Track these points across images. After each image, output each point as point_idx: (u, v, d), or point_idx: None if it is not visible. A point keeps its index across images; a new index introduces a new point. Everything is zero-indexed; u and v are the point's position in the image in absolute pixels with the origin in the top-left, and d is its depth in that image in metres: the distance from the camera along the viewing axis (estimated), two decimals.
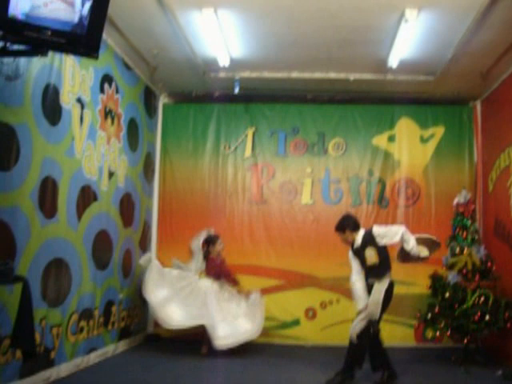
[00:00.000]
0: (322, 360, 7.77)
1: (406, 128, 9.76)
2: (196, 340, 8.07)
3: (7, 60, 5.06)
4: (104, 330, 7.55)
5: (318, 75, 8.83)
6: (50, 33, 4.08)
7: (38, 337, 5.66)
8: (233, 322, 7.96)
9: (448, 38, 7.26)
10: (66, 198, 6.37)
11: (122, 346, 8.15)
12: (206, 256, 8.32)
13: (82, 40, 4.24)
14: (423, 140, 9.71)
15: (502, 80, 8.42)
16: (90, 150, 7.04)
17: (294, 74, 8.83)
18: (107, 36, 7.25)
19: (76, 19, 4.20)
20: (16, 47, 4.44)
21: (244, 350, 7.95)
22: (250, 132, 9.90)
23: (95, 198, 7.22)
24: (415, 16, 6.53)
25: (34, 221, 5.65)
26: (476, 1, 6.20)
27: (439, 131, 9.70)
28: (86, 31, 4.22)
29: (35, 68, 5.67)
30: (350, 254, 6.68)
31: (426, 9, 6.49)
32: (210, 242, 8.36)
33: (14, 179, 5.30)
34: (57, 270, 6.17)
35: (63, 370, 6.26)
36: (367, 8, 6.58)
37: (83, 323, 6.86)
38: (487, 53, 7.68)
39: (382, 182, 9.65)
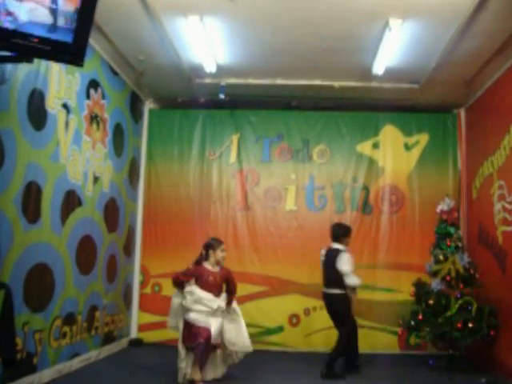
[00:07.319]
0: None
1: (390, 135, 9.81)
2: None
3: None
4: (87, 336, 7.51)
5: (302, 82, 8.88)
6: (36, 40, 4.07)
7: (20, 342, 5.64)
8: None
9: (432, 46, 7.33)
10: (50, 203, 6.34)
11: (105, 351, 8.12)
12: (199, 261, 6.74)
13: (67, 48, 4.22)
14: (407, 147, 9.75)
15: (486, 88, 8.51)
16: (75, 155, 7.02)
17: (279, 81, 8.87)
18: (94, 42, 7.25)
19: (62, 26, 4.19)
20: (2, 53, 4.42)
21: None
22: (235, 138, 9.92)
23: (80, 203, 7.20)
24: (399, 25, 6.61)
25: (17, 226, 5.62)
26: (459, 11, 6.27)
27: (423, 138, 9.75)
28: (71, 39, 4.20)
29: (21, 73, 5.65)
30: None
31: (409, 18, 6.56)
32: (210, 246, 6.76)
33: None
34: (40, 274, 6.13)
35: (45, 375, 6.23)
36: (352, 17, 6.64)
37: (66, 328, 6.83)
38: (471, 61, 7.76)
39: (366, 189, 9.68)
